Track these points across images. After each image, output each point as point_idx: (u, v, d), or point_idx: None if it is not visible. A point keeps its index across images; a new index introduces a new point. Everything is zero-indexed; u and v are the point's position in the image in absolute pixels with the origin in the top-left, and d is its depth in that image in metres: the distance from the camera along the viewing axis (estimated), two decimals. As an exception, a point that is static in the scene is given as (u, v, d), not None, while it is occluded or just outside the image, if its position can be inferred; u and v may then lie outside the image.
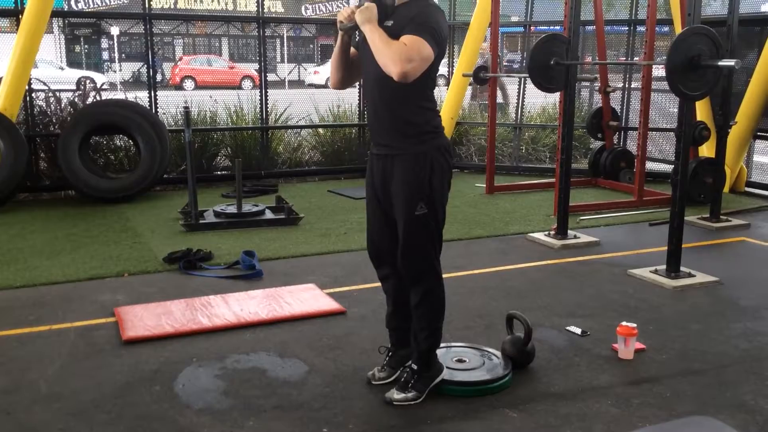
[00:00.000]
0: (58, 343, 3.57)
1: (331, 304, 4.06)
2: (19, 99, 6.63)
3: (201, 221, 5.85)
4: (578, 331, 3.71)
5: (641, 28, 7.89)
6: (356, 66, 3.00)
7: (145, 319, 3.81)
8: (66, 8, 23.67)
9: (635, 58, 8.21)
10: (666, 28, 8.43)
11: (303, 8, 28.50)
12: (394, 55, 2.62)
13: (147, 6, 7.38)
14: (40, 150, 7.23)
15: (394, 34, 2.71)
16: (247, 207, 6.15)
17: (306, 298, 4.16)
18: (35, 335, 3.68)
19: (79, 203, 6.77)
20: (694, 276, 4.57)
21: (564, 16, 5.80)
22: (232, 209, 6.08)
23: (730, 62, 4.27)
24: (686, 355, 3.46)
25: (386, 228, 3.00)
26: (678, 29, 6.90)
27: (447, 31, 2.84)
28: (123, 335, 3.61)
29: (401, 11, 2.79)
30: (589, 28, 8.46)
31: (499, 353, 3.28)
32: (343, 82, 3.07)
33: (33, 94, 7.05)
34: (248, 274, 4.64)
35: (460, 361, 3.22)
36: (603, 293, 4.35)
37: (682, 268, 4.61)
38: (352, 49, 2.99)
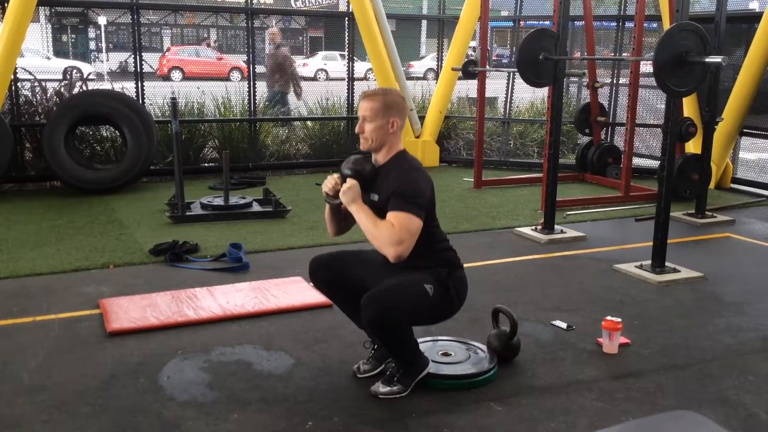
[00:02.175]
0: (41, 334, 3.55)
1: (317, 297, 4.05)
2: (4, 88, 6.56)
3: (187, 213, 5.83)
4: (563, 325, 3.73)
5: (630, 24, 7.91)
6: (351, 215, 2.93)
7: (130, 311, 3.79)
8: (53, -3, 23.44)
9: (624, 54, 8.24)
10: (654, 24, 8.45)
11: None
12: (385, 240, 2.68)
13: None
14: (26, 140, 7.17)
15: (380, 207, 2.77)
16: (235, 199, 6.12)
17: (292, 291, 4.15)
18: (19, 327, 3.65)
19: (64, 194, 6.72)
20: (679, 271, 4.60)
21: (553, 11, 5.81)
22: (219, 201, 6.05)
23: (717, 59, 4.29)
24: (670, 350, 3.49)
25: (372, 272, 2.95)
26: (666, 25, 6.92)
27: (430, 188, 2.85)
28: (108, 327, 3.59)
29: (382, 176, 2.84)
30: (578, 23, 8.47)
31: (484, 347, 3.29)
32: (342, 232, 3.11)
33: (18, 84, 6.98)
34: (235, 266, 4.62)
35: (445, 354, 3.23)
36: (588, 288, 4.38)
37: (667, 264, 4.64)
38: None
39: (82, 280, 4.39)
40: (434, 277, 2.85)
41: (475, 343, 3.33)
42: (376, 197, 2.84)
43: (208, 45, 26.74)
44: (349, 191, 2.81)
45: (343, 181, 2.87)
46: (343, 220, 3.05)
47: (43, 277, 4.43)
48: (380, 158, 2.90)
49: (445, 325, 3.66)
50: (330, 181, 2.90)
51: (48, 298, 4.06)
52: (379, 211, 2.79)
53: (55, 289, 4.21)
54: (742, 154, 7.86)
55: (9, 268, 4.54)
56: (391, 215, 2.72)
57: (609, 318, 3.43)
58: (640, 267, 4.66)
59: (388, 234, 2.68)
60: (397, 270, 2.84)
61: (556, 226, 5.56)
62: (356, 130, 2.93)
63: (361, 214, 2.77)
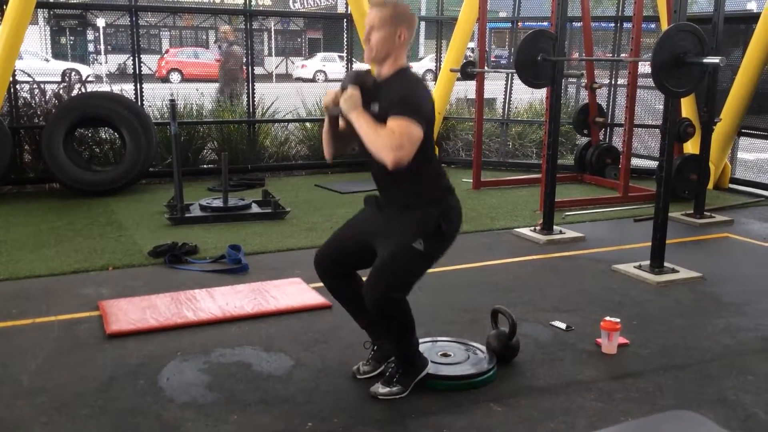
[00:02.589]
0: (41, 336, 3.55)
1: (316, 299, 4.06)
2: (3, 91, 6.56)
3: (187, 215, 5.83)
4: (563, 325, 3.73)
5: (628, 25, 7.92)
6: (349, 135, 2.94)
7: (129, 312, 3.79)
8: (51, -1, 23.44)
9: (622, 55, 8.25)
10: (653, 25, 8.48)
11: (291, 1, 28.42)
12: (385, 145, 2.62)
13: (133, -3, 7.32)
14: (24, 142, 7.17)
15: (380, 117, 2.71)
16: (234, 201, 6.13)
17: (292, 293, 4.15)
18: (18, 329, 3.65)
19: (63, 196, 6.72)
20: (678, 271, 4.61)
21: (551, 12, 5.82)
22: (218, 203, 6.05)
23: (715, 59, 4.29)
24: (669, 350, 3.49)
25: (357, 249, 2.95)
26: (664, 26, 6.93)
27: (431, 101, 2.83)
28: (107, 329, 3.59)
29: (384, 89, 2.79)
30: (576, 24, 8.49)
31: (484, 348, 3.29)
32: (338, 153, 3.07)
33: (17, 86, 6.98)
34: (234, 268, 4.62)
35: (445, 355, 3.23)
36: (587, 288, 4.38)
37: (665, 264, 4.64)
38: (342, 122, 2.97)
39: (82, 281, 4.39)
40: (422, 227, 2.79)
41: (475, 344, 3.34)
42: (376, 107, 2.78)
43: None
44: (350, 99, 2.75)
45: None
46: (341, 139, 2.99)
47: (43, 279, 4.43)
48: (383, 71, 2.84)
49: (444, 325, 3.67)
50: (330, 94, 2.86)
51: (47, 300, 4.06)
52: (380, 121, 2.73)
53: (54, 291, 4.21)
54: (740, 155, 7.87)
55: (8, 270, 4.54)
56: (392, 121, 2.66)
57: (608, 318, 3.44)
58: (639, 267, 4.67)
59: (388, 138, 2.63)
60: (387, 217, 2.84)
61: (555, 227, 5.57)
62: (362, 40, 2.86)
63: (361, 121, 2.71)
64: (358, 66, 2.53)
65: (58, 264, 4.68)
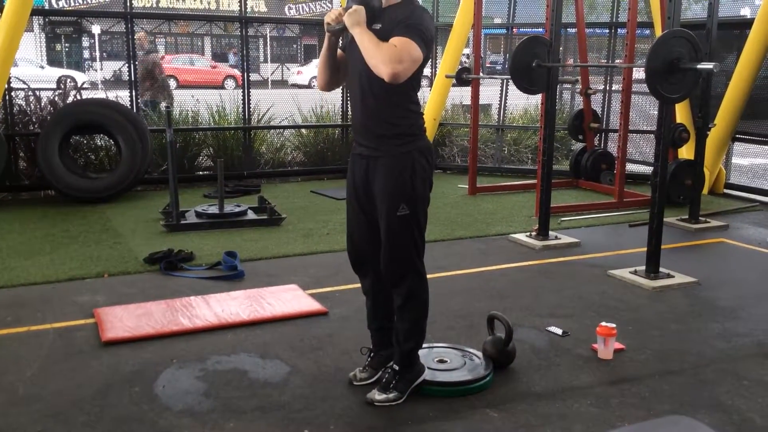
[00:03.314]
0: (36, 344, 3.54)
1: (312, 305, 4.06)
2: (-2, 98, 6.56)
3: (182, 221, 5.82)
4: (559, 331, 3.74)
5: (622, 31, 7.96)
6: (343, 68, 3.00)
7: (125, 320, 3.78)
8: (46, 6, 23.45)
9: (616, 61, 8.28)
10: (647, 31, 8.51)
11: (286, 8, 28.44)
12: (385, 57, 2.64)
13: (128, 5, 7.32)
14: (20, 149, 7.15)
15: (382, 37, 2.72)
16: (229, 207, 6.12)
17: (288, 299, 4.15)
18: (13, 336, 3.64)
19: (58, 203, 6.71)
20: (673, 277, 4.62)
21: (546, 19, 5.84)
22: (214, 209, 6.05)
23: (709, 65, 4.32)
24: (665, 355, 3.50)
25: (366, 229, 3.01)
26: (658, 32, 6.96)
27: (434, 32, 2.88)
28: (102, 336, 3.59)
29: (389, 14, 2.80)
30: (571, 30, 8.52)
31: (480, 354, 3.29)
32: (330, 84, 3.07)
33: (12, 93, 6.97)
34: (230, 274, 4.62)
35: (441, 361, 3.23)
36: (583, 294, 4.39)
37: (661, 269, 4.65)
38: (339, 51, 2.99)
39: (77, 289, 4.38)
40: (401, 190, 2.83)
41: (471, 350, 3.34)
42: (378, 26, 2.79)
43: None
44: (355, 13, 2.75)
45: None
46: (337, 68, 3.00)
47: (38, 286, 4.42)
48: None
49: (440, 331, 3.67)
50: (334, 12, 2.86)
51: (43, 307, 4.04)
52: (382, 40, 2.73)
53: (49, 299, 4.19)
54: (735, 160, 7.90)
55: (3, 278, 4.53)
56: (395, 39, 2.70)
57: (604, 324, 3.44)
58: (635, 273, 4.68)
59: (389, 52, 2.66)
60: (369, 178, 2.88)
61: (550, 232, 5.58)
62: None
63: (363, 36, 2.72)
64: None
65: (54, 271, 4.67)
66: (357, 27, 2.74)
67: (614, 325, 3.44)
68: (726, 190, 7.56)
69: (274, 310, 3.98)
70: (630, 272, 4.70)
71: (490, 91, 9.54)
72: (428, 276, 3.04)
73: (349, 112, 7.66)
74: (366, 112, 2.88)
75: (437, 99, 8.59)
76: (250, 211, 6.15)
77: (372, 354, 3.17)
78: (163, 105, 6.94)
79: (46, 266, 4.78)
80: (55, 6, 24.93)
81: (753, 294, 4.43)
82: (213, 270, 4.73)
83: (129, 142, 6.81)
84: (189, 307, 4.01)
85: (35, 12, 7.22)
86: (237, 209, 6.10)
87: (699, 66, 4.31)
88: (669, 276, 4.62)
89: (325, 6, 27.72)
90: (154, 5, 26.06)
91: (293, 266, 4.85)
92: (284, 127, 8.67)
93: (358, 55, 2.77)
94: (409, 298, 2.95)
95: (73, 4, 25.68)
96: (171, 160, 5.87)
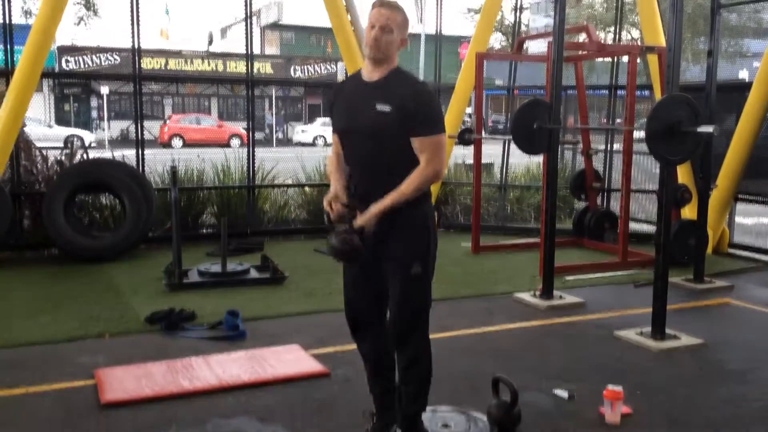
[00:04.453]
0: (34, 407, 3.49)
1: (314, 366, 4.00)
2: (5, 158, 6.62)
3: (184, 281, 5.80)
4: (565, 394, 3.67)
5: (622, 92, 8.08)
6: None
7: (125, 381, 3.74)
8: (57, 69, 23.95)
9: (617, 121, 8.38)
10: (647, 92, 8.63)
11: (292, 69, 29.05)
12: (427, 179, 2.79)
13: (137, 67, 7.47)
14: (25, 208, 7.19)
15: (392, 118, 2.74)
16: (232, 266, 6.11)
17: (289, 360, 4.10)
18: (11, 399, 3.59)
19: (62, 262, 6.71)
20: (680, 338, 4.57)
21: (546, 82, 5.93)
22: (217, 268, 6.03)
23: (709, 128, 4.36)
24: (672, 421, 3.43)
25: (367, 288, 2.99)
26: (658, 94, 7.07)
27: (438, 102, 2.95)
28: (102, 398, 3.54)
29: (385, 88, 2.80)
30: (571, 91, 8.64)
31: (484, 417, 3.23)
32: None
33: (20, 153, 7.05)
34: (231, 334, 4.58)
35: (445, 426, 3.17)
36: (589, 355, 4.33)
37: (667, 331, 4.60)
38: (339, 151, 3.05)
39: (78, 349, 4.33)
40: (418, 249, 2.86)
41: (475, 413, 3.28)
42: (387, 108, 2.76)
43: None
44: (366, 222, 2.81)
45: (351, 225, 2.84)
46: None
47: (38, 346, 4.38)
48: (380, 70, 2.82)
49: (444, 393, 3.61)
50: (336, 209, 2.93)
51: (42, 368, 4.00)
52: (390, 122, 2.74)
53: (49, 359, 4.15)
54: (738, 219, 7.90)
55: (3, 337, 4.49)
56: (417, 143, 2.76)
57: (611, 387, 3.39)
58: (641, 334, 4.63)
59: (425, 173, 2.77)
60: (380, 237, 2.86)
61: (555, 292, 5.54)
62: (368, 38, 2.78)
63: (389, 203, 2.77)
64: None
65: (55, 331, 4.64)
66: (378, 212, 2.80)
67: (621, 389, 3.38)
68: (730, 250, 7.53)
69: (275, 371, 3.93)
70: (636, 333, 4.65)
71: (492, 150, 9.64)
72: (433, 336, 3.01)
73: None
74: (378, 182, 2.86)
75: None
76: (252, 270, 6.14)
77: (375, 419, 3.11)
78: (168, 164, 6.99)
79: (47, 326, 4.74)
80: (65, 68, 25.49)
81: (761, 357, 4.37)
82: (215, 330, 4.69)
83: (134, 202, 6.85)
84: (190, 368, 3.96)
85: (45, 74, 7.36)
86: (239, 268, 6.09)
87: (699, 129, 4.36)
88: (675, 337, 4.57)
89: (329, 68, 28.31)
90: (163, 67, 26.56)
91: (295, 326, 4.81)
92: (288, 186, 8.73)
93: (359, 137, 2.85)
94: (414, 359, 2.91)
95: (83, 66, 26.26)
96: (175, 219, 5.89)
